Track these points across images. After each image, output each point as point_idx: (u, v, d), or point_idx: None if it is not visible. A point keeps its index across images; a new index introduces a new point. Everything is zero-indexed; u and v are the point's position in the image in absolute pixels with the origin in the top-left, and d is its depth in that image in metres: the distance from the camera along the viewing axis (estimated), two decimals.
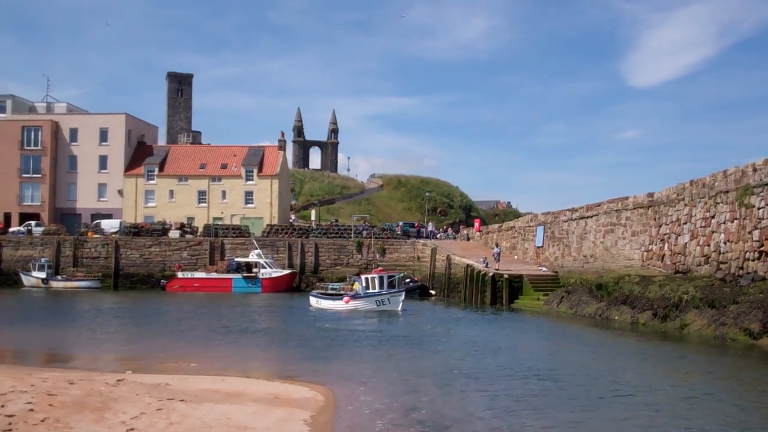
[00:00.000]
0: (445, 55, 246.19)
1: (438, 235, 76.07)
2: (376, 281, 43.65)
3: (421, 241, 68.35)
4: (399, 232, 72.25)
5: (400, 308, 41.72)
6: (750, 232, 29.39)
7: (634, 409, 15.38)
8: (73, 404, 13.96)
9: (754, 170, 29.94)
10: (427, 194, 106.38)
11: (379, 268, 51.06)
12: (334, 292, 47.23)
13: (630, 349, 25.94)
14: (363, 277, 45.43)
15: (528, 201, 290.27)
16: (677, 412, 15.00)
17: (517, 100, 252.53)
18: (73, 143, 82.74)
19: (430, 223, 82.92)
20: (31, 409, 13.12)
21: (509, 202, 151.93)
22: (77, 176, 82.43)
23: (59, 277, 65.08)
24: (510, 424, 14.02)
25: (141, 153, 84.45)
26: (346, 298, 43.63)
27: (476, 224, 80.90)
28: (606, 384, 18.56)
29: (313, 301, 46.86)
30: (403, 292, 44.01)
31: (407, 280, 60.90)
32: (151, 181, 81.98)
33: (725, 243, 31.33)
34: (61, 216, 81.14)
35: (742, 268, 29.69)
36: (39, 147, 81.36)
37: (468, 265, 52.66)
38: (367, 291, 43.41)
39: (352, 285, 46.71)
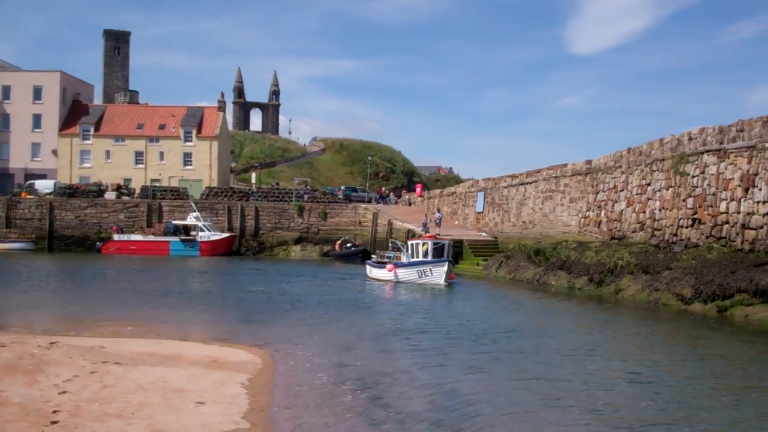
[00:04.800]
0: (388, 18, 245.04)
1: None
2: (420, 248, 37.55)
3: (363, 205, 68.34)
4: (341, 196, 72.10)
5: (443, 281, 35.39)
6: (684, 200, 30.16)
7: (558, 364, 15.80)
8: (4, 367, 13.58)
9: (690, 139, 30.65)
10: (369, 158, 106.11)
11: (428, 234, 45.03)
12: (387, 260, 40.40)
13: (562, 311, 26.51)
14: (409, 242, 39.69)
15: (470, 167, 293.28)
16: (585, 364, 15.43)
17: (459, 64, 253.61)
18: (5, 101, 79.96)
19: (382, 188, 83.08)
20: None
21: (451, 168, 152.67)
22: (10, 135, 79.81)
23: None
24: (435, 376, 15.00)
25: (76, 112, 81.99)
26: (389, 266, 38.06)
27: (418, 189, 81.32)
28: (534, 342, 19.28)
29: (368, 270, 41.56)
30: (448, 262, 36.28)
31: (348, 245, 60.95)
32: (87, 141, 79.90)
33: (660, 210, 32.11)
34: None
35: (675, 234, 30.49)
36: None
37: (409, 229, 52.99)
38: (412, 259, 37.83)
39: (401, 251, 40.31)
